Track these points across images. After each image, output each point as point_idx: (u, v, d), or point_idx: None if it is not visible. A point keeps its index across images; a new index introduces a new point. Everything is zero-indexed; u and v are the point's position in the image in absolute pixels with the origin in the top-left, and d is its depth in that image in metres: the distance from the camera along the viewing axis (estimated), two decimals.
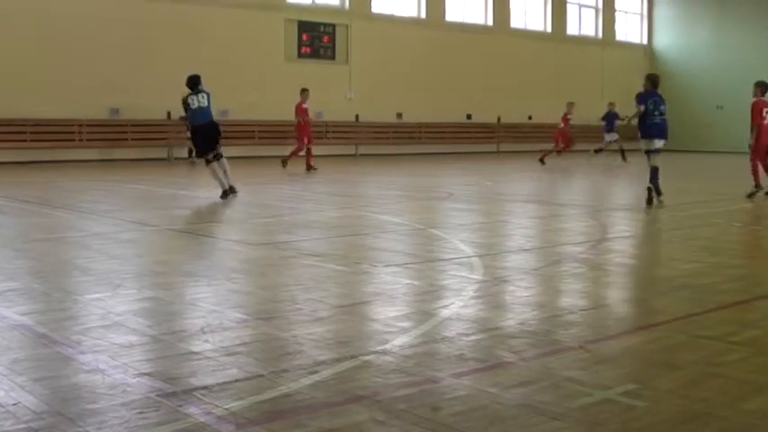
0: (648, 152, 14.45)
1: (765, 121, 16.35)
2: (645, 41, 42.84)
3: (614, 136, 29.33)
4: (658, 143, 14.51)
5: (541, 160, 27.22)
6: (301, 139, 22.86)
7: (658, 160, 14.37)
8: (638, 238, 10.99)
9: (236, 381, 4.48)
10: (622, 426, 3.93)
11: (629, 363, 4.98)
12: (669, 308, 6.50)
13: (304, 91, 23.21)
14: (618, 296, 7.24)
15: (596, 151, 29.83)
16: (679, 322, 5.96)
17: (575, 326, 5.85)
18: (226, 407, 4.05)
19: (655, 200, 14.16)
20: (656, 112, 14.50)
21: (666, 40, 42.23)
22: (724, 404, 4.24)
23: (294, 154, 23.01)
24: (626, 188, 19.85)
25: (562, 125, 28.18)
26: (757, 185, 16.00)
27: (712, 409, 4.16)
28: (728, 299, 6.81)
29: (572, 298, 6.99)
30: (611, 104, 29.93)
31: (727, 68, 39.16)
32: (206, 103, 15.22)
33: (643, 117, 14.52)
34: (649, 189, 14.20)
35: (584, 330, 5.74)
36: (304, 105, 22.93)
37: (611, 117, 29.40)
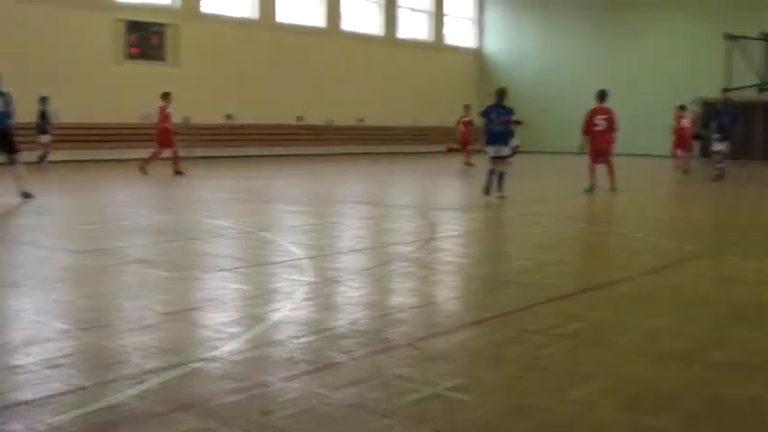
0: (494, 158, 15.50)
1: (597, 128, 17.91)
2: (475, 45, 43.79)
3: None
4: (502, 150, 15.63)
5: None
6: (162, 145, 22.37)
7: (505, 165, 15.53)
8: (466, 237, 11.22)
9: (60, 394, 4.32)
10: (450, 420, 4.00)
11: (458, 358, 5.07)
12: (497, 304, 6.66)
13: (167, 95, 22.69)
14: (447, 294, 7.37)
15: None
16: (506, 317, 6.11)
17: (404, 324, 5.92)
18: (48, 422, 3.91)
19: (494, 195, 15.20)
20: (497, 122, 15.76)
21: (496, 44, 43.30)
22: (548, 395, 4.37)
23: (152, 159, 22.42)
24: (456, 189, 20.27)
25: (462, 128, 28.72)
26: (593, 184, 17.58)
27: (537, 400, 4.29)
28: (553, 293, 7.03)
29: (402, 297, 7.07)
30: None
31: (552, 71, 40.50)
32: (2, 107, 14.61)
33: (486, 127, 15.95)
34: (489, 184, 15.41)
35: (413, 328, 5.82)
36: (168, 110, 22.52)
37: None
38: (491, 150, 15.66)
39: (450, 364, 4.95)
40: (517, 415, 4.09)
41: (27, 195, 14.31)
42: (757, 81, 35.34)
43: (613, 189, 17.74)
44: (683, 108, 26.82)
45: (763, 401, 4.36)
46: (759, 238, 10.83)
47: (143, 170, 21.65)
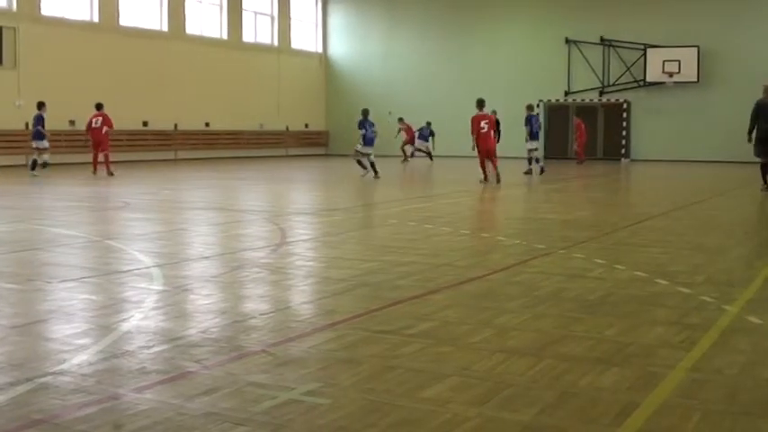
0: (367, 154, 23.61)
1: (483, 131, 21.65)
2: (320, 49, 43.90)
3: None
4: (368, 149, 23.75)
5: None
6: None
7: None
8: (317, 241, 11.27)
9: None
10: (306, 424, 4.02)
11: (312, 363, 5.09)
12: (348, 306, 6.72)
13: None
14: (299, 298, 7.38)
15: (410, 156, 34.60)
16: (358, 319, 6.18)
17: (257, 330, 5.91)
18: None
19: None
20: (371, 131, 23.91)
21: (341, 48, 43.51)
22: (403, 394, 4.45)
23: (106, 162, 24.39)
24: (306, 193, 20.30)
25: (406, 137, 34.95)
26: (486, 177, 21.48)
27: (392, 399, 4.36)
28: (404, 294, 7.14)
29: (254, 303, 7.06)
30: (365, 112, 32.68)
31: (397, 74, 40.99)
32: None
33: (364, 134, 23.80)
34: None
35: (266, 334, 5.81)
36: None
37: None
38: (368, 149, 23.71)
39: (304, 368, 4.96)
40: (372, 415, 4.15)
41: None
42: (598, 84, 36.77)
43: (498, 182, 21.01)
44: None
45: (612, 391, 4.55)
46: (601, 236, 11.25)
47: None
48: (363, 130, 23.90)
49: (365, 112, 24.25)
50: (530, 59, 37.88)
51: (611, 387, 4.63)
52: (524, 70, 37.87)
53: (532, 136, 25.72)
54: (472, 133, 21.85)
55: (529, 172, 25.51)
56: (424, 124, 35.01)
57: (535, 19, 38.18)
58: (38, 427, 3.98)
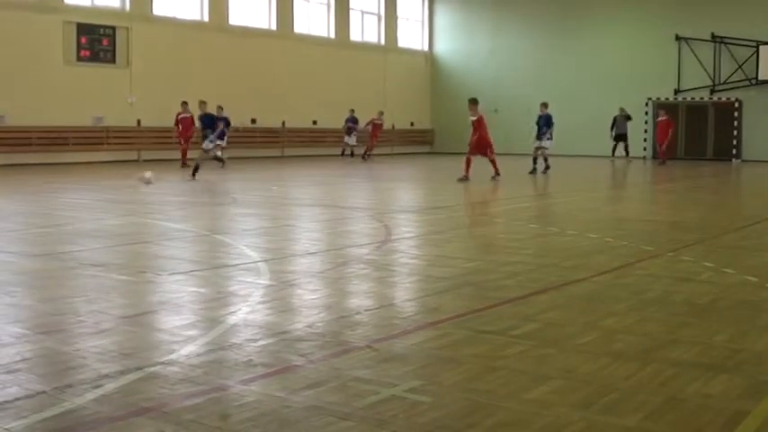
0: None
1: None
2: (426, 48, 43.92)
3: (353, 139, 34.15)
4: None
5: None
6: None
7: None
8: (421, 239, 11.28)
9: (17, 399, 4.30)
10: (408, 422, 4.03)
11: (415, 360, 5.11)
12: (452, 305, 6.71)
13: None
14: (402, 296, 7.41)
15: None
16: (461, 318, 6.16)
17: (361, 326, 5.95)
18: (6, 427, 3.88)
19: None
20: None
21: (446, 46, 43.46)
22: (506, 395, 4.43)
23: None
24: (410, 191, 20.34)
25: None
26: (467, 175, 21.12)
27: (494, 400, 4.34)
28: (508, 294, 7.10)
29: (358, 299, 7.11)
30: (351, 110, 32.76)
31: (503, 72, 40.75)
32: None
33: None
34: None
35: (370, 330, 5.85)
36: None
37: (351, 121, 32.58)
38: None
39: (407, 365, 4.98)
40: (474, 415, 4.13)
41: None
42: (708, 82, 35.92)
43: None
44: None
45: (721, 399, 4.45)
46: (710, 239, 11.00)
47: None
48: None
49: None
50: (638, 57, 37.14)
51: (720, 395, 4.52)
52: (632, 68, 37.15)
53: (543, 134, 25.18)
54: (483, 131, 22.05)
55: (533, 171, 24.80)
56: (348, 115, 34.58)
57: (644, 16, 37.41)
58: (147, 415, 4.08)
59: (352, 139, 33.78)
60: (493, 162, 21.87)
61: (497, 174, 21.58)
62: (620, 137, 32.80)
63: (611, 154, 33.02)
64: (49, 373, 4.79)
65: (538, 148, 25.23)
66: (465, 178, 20.96)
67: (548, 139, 25.15)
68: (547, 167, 24.90)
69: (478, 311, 6.44)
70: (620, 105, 33.51)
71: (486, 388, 4.55)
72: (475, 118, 21.98)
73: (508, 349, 5.33)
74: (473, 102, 22.35)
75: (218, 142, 26.14)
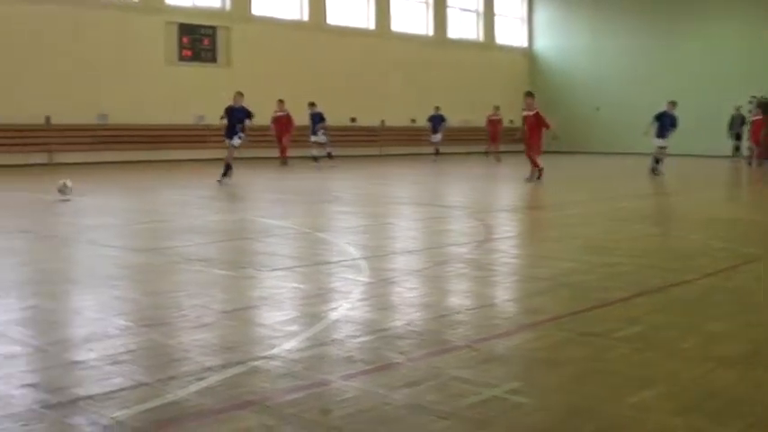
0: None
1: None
2: (525, 44, 43.61)
3: (438, 137, 32.22)
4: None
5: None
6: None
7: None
8: (520, 238, 11.19)
9: (122, 389, 4.39)
10: (509, 423, 3.99)
11: (515, 361, 5.05)
12: (552, 306, 6.63)
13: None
14: (503, 295, 7.35)
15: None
16: (562, 320, 6.08)
17: (461, 325, 5.92)
18: (112, 416, 3.97)
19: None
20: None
21: (546, 42, 43.11)
22: (608, 399, 4.34)
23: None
24: (508, 189, 20.19)
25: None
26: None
27: (596, 404, 4.26)
28: (609, 296, 6.97)
29: (458, 298, 7.07)
30: (437, 108, 32.10)
31: (604, 70, 40.21)
32: None
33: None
34: None
35: (470, 330, 5.81)
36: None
37: (436, 119, 31.87)
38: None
39: (508, 366, 4.93)
40: (575, 418, 4.07)
41: None
42: None
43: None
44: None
45: None
46: None
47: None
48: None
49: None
50: (745, 55, 36.22)
51: None
52: (739, 66, 36.26)
53: (666, 133, 23.57)
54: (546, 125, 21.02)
55: (654, 171, 23.40)
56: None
57: (751, 13, 36.50)
58: (249, 408, 4.12)
59: (437, 137, 33.52)
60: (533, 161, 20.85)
61: (535, 175, 20.57)
62: (738, 136, 32.07)
63: (731, 154, 32.33)
64: (152, 365, 4.87)
65: (662, 148, 23.80)
66: (538, 176, 20.48)
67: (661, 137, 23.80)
68: (655, 168, 23.65)
69: (579, 313, 6.35)
70: (735, 104, 32.79)
71: (588, 391, 4.47)
72: (532, 113, 20.89)
73: (609, 352, 5.23)
74: (529, 95, 21.50)
75: (314, 138, 26.81)
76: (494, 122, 33.02)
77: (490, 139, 33.29)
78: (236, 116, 19.67)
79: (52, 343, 5.34)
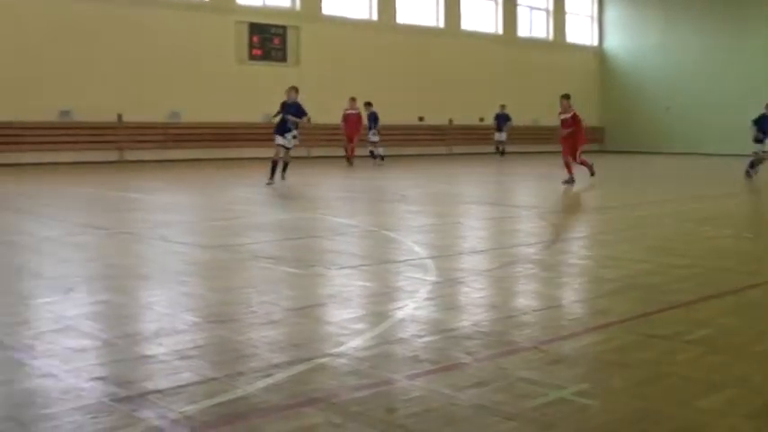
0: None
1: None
2: (595, 43, 43.21)
3: (503, 136, 31.52)
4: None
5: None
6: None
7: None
8: (589, 239, 11.08)
9: (191, 384, 4.44)
10: (576, 425, 3.95)
11: (583, 363, 5.01)
12: (621, 308, 6.55)
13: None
14: (570, 297, 7.28)
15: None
16: (630, 322, 6.01)
17: (528, 326, 5.88)
18: (180, 410, 4.02)
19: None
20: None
21: (616, 41, 42.67)
22: (676, 403, 4.28)
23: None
24: (579, 190, 20.00)
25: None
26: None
27: (665, 407, 4.20)
28: (679, 298, 6.88)
29: (525, 299, 7.03)
30: (502, 106, 31.74)
31: (674, 69, 39.68)
32: None
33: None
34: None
35: (537, 331, 5.77)
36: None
37: (501, 118, 31.51)
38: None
39: (575, 368, 4.89)
40: (643, 421, 4.01)
41: None
42: None
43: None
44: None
45: None
46: None
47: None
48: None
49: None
50: None
51: None
52: None
53: (761, 137, 22.18)
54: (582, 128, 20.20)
55: (749, 173, 22.16)
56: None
57: None
58: (315, 405, 4.14)
59: (502, 136, 33.30)
60: (568, 166, 19.83)
61: (572, 180, 19.50)
62: None
63: None
64: (220, 360, 4.92)
65: (765, 152, 22.42)
66: (571, 180, 19.36)
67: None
68: (750, 171, 22.39)
69: (648, 315, 6.26)
70: None
71: (656, 394, 4.41)
72: (569, 115, 20.14)
73: (679, 355, 5.16)
74: (565, 97, 20.67)
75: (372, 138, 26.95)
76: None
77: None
78: (289, 112, 18.87)
79: (122, 337, 5.43)
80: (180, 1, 28.42)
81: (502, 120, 32.87)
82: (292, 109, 18.81)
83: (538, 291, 7.42)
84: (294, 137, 18.71)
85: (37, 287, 7.20)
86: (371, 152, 27.82)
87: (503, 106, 33.18)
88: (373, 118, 27.66)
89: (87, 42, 26.24)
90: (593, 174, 20.38)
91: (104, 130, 27.07)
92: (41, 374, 4.62)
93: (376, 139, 27.68)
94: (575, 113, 20.19)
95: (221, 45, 29.32)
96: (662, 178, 21.80)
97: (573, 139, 19.99)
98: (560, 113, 20.46)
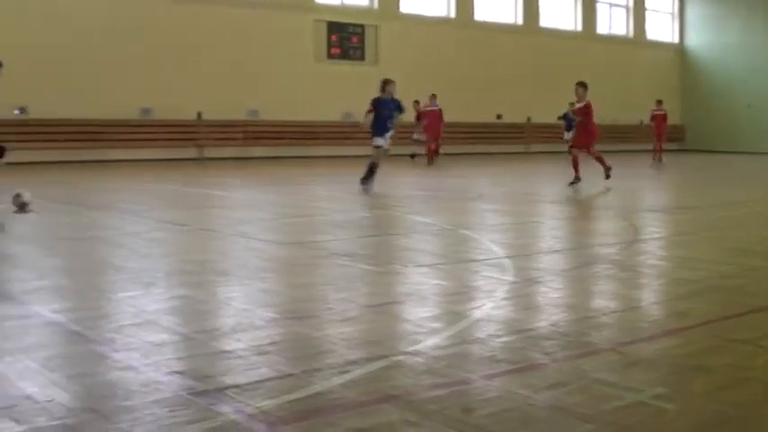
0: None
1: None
2: (676, 41, 42.55)
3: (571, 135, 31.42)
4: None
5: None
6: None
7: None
8: (668, 240, 10.92)
9: (268, 379, 4.50)
10: (654, 429, 3.91)
11: (661, 366, 4.94)
12: (700, 310, 6.44)
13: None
14: (649, 298, 7.19)
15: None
16: (710, 325, 5.91)
17: (606, 328, 5.82)
18: (257, 405, 4.07)
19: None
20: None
21: (698, 39, 41.99)
22: (757, 408, 4.21)
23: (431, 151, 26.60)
24: (657, 189, 19.74)
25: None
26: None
27: (744, 413, 4.13)
28: (760, 302, 6.75)
29: (603, 299, 6.96)
30: (571, 104, 31.21)
31: (755, 67, 38.91)
32: None
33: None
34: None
35: (615, 332, 5.72)
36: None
37: (569, 117, 31.00)
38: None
39: (653, 371, 4.83)
40: (722, 427, 3.95)
41: None
42: None
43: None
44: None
45: None
46: None
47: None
48: None
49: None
50: None
51: None
52: None
53: None
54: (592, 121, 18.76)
55: None
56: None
57: None
58: (392, 403, 4.16)
59: (569, 135, 32.82)
60: (600, 159, 18.76)
61: (609, 173, 18.66)
62: None
63: None
64: (297, 356, 4.96)
65: None
66: (577, 180, 18.25)
67: None
68: None
69: (729, 318, 6.16)
70: None
71: (736, 400, 4.33)
72: (582, 104, 18.81)
73: (759, 359, 5.06)
74: (581, 85, 19.13)
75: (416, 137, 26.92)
76: (657, 118, 30.60)
77: (655, 137, 30.77)
78: (388, 108, 16.86)
79: (200, 332, 5.51)
80: (260, 0, 28.70)
81: (570, 119, 32.52)
82: (392, 105, 17.04)
83: (616, 291, 7.34)
84: (391, 136, 17.27)
85: (119, 281, 7.34)
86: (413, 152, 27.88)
87: (571, 104, 32.79)
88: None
89: (168, 42, 26.69)
90: (608, 176, 18.78)
91: (184, 128, 27.49)
92: (122, 367, 4.71)
93: (423, 138, 27.59)
94: (588, 103, 18.82)
95: (300, 44, 29.57)
96: (743, 178, 21.37)
97: (585, 132, 18.71)
98: (574, 103, 19.28)
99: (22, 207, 12.04)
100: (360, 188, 16.47)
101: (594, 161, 18.88)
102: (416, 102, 27.55)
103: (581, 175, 18.32)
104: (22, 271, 7.88)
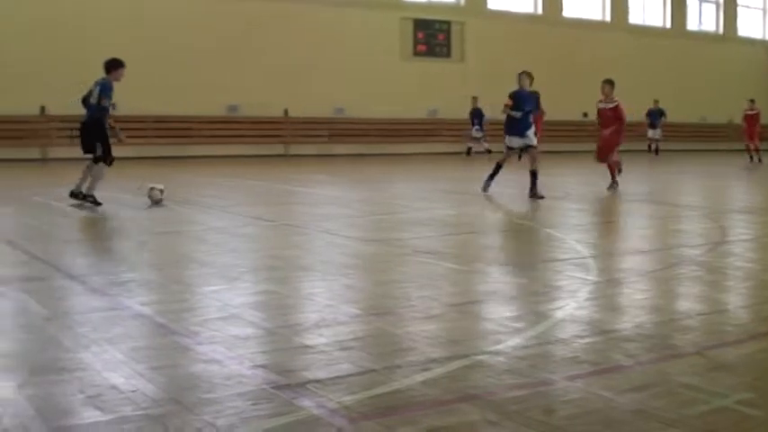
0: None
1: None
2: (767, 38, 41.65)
3: (657, 133, 30.97)
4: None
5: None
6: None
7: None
8: (758, 242, 10.70)
9: (350, 375, 4.54)
10: None
11: (747, 370, 4.86)
12: None
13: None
14: (736, 301, 7.06)
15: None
16: None
17: (691, 331, 5.74)
18: (339, 400, 4.11)
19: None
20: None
21: None
22: None
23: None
24: (745, 189, 19.34)
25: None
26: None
27: None
28: None
29: (689, 302, 6.85)
30: (656, 101, 30.92)
31: None
32: (90, 96, 12.98)
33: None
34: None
35: (700, 336, 5.63)
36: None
37: (654, 114, 30.66)
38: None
39: (739, 376, 4.74)
40: None
41: (83, 197, 12.79)
42: None
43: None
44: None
45: None
46: None
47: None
48: None
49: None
50: None
51: None
52: None
53: None
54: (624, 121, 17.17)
55: None
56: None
57: None
58: (472, 402, 4.16)
59: (656, 133, 32.31)
60: (613, 169, 17.31)
61: (614, 186, 17.02)
62: None
63: None
64: (379, 352, 4.99)
65: None
66: (615, 185, 16.99)
67: None
68: None
69: None
70: None
71: None
72: (612, 105, 17.25)
73: None
74: (608, 83, 17.65)
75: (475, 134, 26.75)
76: (749, 118, 29.57)
77: (746, 137, 29.70)
78: (527, 104, 15.57)
79: (283, 326, 5.58)
80: None
81: (655, 116, 31.99)
82: (530, 101, 15.84)
83: (702, 294, 7.23)
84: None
85: (204, 275, 7.48)
86: (469, 149, 27.79)
87: (656, 101, 32.29)
88: (478, 114, 27.58)
89: (255, 40, 27.00)
90: (611, 187, 17.11)
91: (270, 125, 27.81)
92: (206, 360, 4.81)
93: (479, 135, 27.55)
94: (618, 105, 17.28)
95: (386, 41, 29.67)
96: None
97: (613, 136, 17.24)
98: (600, 102, 17.71)
99: (156, 201, 12.90)
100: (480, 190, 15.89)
101: (607, 167, 17.52)
102: (475, 98, 27.81)
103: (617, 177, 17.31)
104: (114, 264, 8.09)
